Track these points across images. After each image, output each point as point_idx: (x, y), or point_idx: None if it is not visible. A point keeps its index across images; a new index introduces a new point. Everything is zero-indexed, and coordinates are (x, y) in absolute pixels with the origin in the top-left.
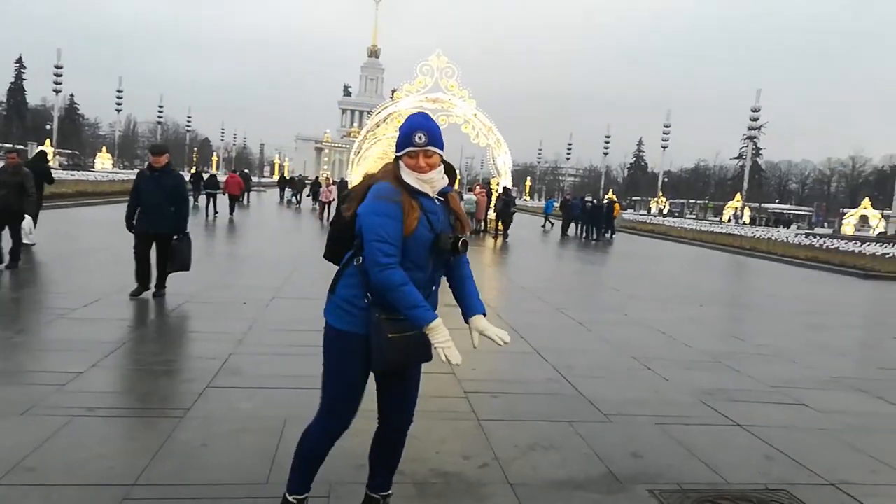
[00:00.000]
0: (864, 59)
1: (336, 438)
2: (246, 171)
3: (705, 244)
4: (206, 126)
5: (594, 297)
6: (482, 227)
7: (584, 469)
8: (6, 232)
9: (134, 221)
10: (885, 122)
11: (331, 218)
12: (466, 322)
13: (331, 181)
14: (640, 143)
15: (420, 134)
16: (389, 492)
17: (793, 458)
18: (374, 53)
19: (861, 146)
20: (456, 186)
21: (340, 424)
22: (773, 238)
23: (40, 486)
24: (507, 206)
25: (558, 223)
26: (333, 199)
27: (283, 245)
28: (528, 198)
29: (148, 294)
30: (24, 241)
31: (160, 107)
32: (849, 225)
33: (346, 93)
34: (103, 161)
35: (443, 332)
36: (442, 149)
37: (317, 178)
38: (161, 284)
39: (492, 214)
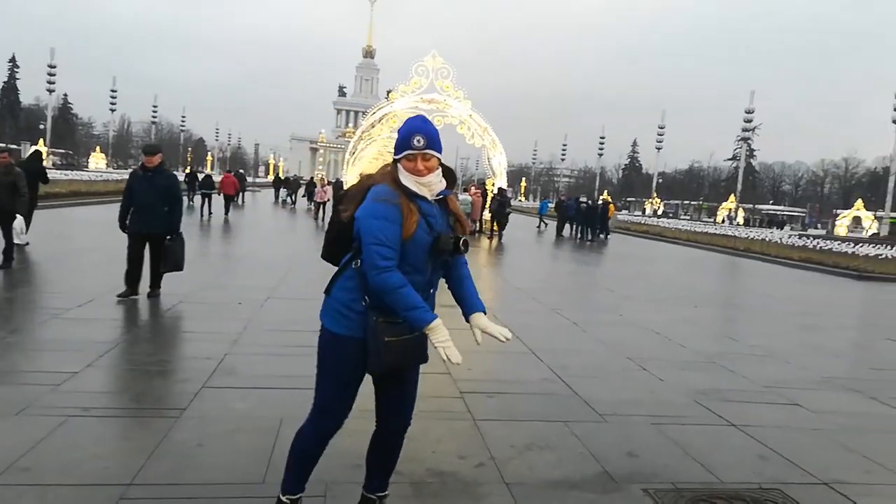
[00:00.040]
0: (864, 59)
1: (329, 438)
2: (241, 171)
3: (699, 245)
4: (201, 126)
5: (589, 297)
6: (477, 228)
7: (579, 469)
8: None
9: (127, 222)
10: (883, 124)
11: (326, 218)
12: (467, 321)
13: (326, 182)
14: (634, 144)
15: (418, 137)
16: (386, 493)
17: (786, 458)
18: (369, 54)
19: (855, 147)
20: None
21: (334, 424)
22: (767, 239)
23: (35, 487)
24: (502, 207)
25: (553, 224)
26: (328, 200)
27: (278, 245)
28: (523, 198)
29: (142, 295)
30: (16, 241)
31: (154, 107)
32: (842, 226)
33: (342, 93)
34: (97, 161)
35: (443, 332)
36: (440, 152)
37: (312, 178)
38: (156, 285)
39: (487, 215)
